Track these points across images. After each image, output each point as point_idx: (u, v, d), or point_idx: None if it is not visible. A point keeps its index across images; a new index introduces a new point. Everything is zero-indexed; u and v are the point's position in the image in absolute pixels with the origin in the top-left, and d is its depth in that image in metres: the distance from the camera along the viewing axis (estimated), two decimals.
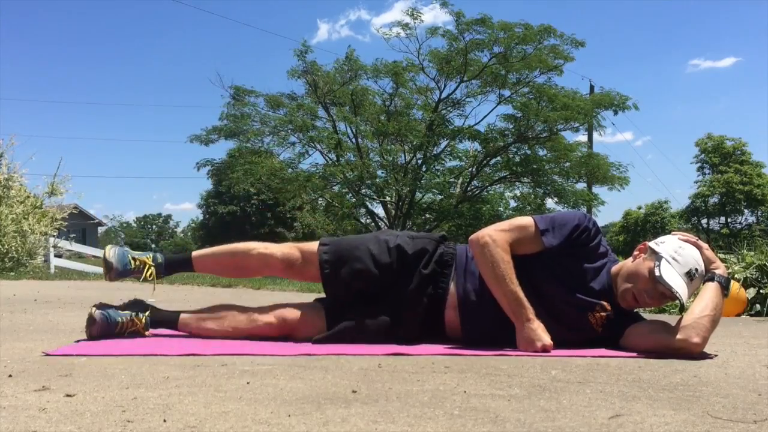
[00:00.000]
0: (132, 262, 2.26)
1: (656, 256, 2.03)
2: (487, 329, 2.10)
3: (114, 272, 2.24)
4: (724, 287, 1.99)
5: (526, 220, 2.14)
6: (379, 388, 1.45)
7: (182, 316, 2.29)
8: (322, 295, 2.34)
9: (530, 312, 2.01)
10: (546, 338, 1.99)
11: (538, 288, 2.09)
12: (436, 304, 2.18)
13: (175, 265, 2.37)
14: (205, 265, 2.35)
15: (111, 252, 2.26)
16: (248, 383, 1.48)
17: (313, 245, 2.28)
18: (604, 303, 2.08)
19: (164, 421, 1.14)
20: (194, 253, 2.36)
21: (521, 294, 2.02)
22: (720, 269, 2.03)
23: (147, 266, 2.27)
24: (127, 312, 2.22)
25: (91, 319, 2.18)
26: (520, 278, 2.05)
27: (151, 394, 1.35)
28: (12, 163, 10.19)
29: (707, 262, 2.04)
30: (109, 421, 1.13)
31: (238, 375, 1.58)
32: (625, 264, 2.12)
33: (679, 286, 1.95)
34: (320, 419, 1.17)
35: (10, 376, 1.55)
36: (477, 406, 1.29)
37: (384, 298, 2.19)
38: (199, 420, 1.15)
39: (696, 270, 2.00)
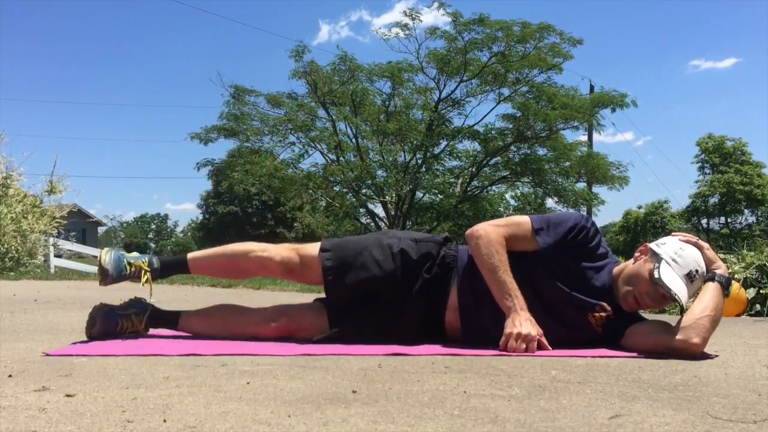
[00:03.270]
0: (127, 267, 2.24)
1: (656, 258, 2.03)
2: (487, 332, 2.09)
3: (109, 279, 2.21)
4: (725, 287, 1.99)
5: (522, 218, 2.15)
6: (379, 388, 1.45)
7: (182, 316, 2.30)
8: (323, 294, 2.34)
9: (521, 302, 2.01)
10: (533, 330, 1.98)
11: (538, 288, 2.09)
12: (438, 307, 2.18)
13: (171, 268, 2.36)
14: (201, 267, 2.33)
15: (107, 258, 2.23)
16: (248, 383, 1.48)
17: (313, 249, 2.25)
18: (604, 304, 2.08)
19: (164, 421, 1.14)
20: (190, 256, 2.34)
21: (514, 284, 2.03)
22: (721, 269, 2.03)
23: (143, 271, 2.26)
24: (127, 312, 2.23)
25: (91, 320, 2.18)
26: (519, 278, 2.05)
27: (151, 394, 1.35)
28: (10, 158, 10.21)
29: (708, 262, 2.03)
30: (109, 421, 1.13)
31: (238, 375, 1.58)
32: (627, 266, 2.11)
33: (679, 289, 1.94)
34: (320, 419, 1.17)
35: (10, 376, 1.55)
36: (477, 406, 1.29)
37: (387, 301, 2.18)
38: (199, 420, 1.15)
39: (696, 271, 1.99)
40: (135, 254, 2.31)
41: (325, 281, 2.19)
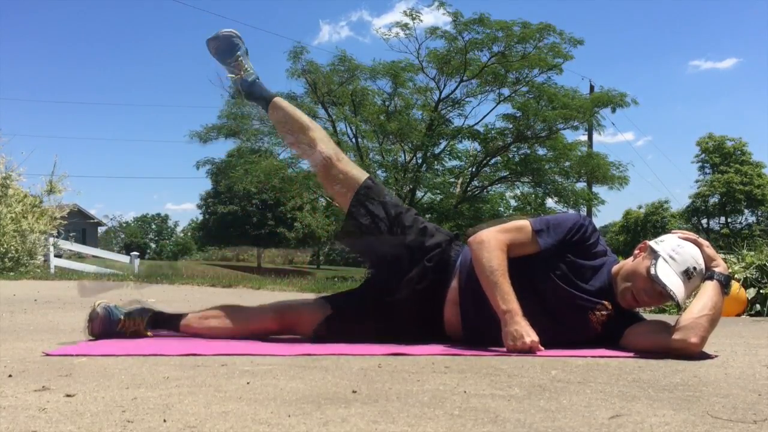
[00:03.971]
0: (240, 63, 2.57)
1: (654, 255, 2.02)
2: (487, 328, 2.09)
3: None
4: (724, 285, 1.98)
5: (522, 222, 2.15)
6: (379, 388, 1.45)
7: (183, 318, 2.30)
8: (323, 294, 2.36)
9: (517, 307, 1.99)
10: (533, 334, 1.97)
11: (538, 288, 2.08)
12: (437, 299, 2.18)
13: (259, 97, 2.52)
14: (277, 112, 2.48)
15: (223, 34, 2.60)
16: (248, 383, 1.48)
17: (359, 174, 2.36)
18: (605, 302, 2.08)
19: (164, 421, 1.14)
20: (276, 100, 2.50)
21: (511, 290, 2.01)
22: (720, 267, 2.01)
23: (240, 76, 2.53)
24: (129, 311, 2.24)
25: (93, 314, 2.20)
26: (519, 279, 2.04)
27: (151, 394, 1.35)
28: (9, 158, 10.22)
29: (708, 260, 2.02)
30: (109, 421, 1.13)
31: (238, 375, 1.58)
32: (626, 263, 2.11)
33: (675, 285, 1.94)
34: (320, 419, 1.17)
35: (10, 376, 1.55)
36: (477, 406, 1.29)
37: (387, 278, 2.23)
38: (199, 420, 1.15)
39: (694, 268, 1.99)
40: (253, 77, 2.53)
41: (352, 201, 2.31)
